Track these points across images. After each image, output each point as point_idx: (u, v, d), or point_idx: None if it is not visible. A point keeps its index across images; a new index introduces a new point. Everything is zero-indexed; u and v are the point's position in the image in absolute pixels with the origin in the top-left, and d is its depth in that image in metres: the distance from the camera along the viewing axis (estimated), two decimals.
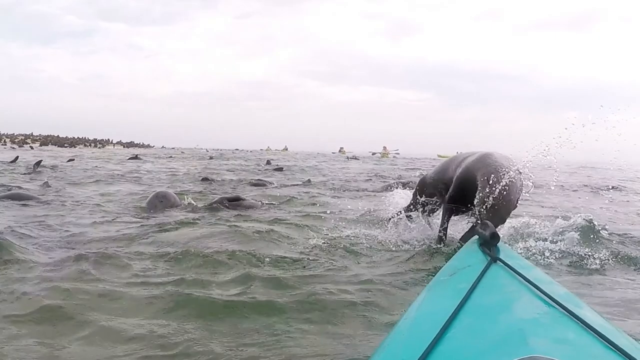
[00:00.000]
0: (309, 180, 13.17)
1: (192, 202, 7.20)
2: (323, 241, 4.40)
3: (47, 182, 9.86)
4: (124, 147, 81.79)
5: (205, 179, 12.76)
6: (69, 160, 21.32)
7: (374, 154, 67.59)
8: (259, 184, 11.74)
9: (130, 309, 2.66)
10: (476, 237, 1.69)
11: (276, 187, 11.29)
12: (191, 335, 2.33)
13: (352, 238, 4.61)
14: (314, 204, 7.73)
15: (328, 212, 6.31)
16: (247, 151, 66.30)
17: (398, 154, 68.93)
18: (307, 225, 5.35)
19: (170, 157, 34.33)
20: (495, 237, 1.60)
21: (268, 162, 25.54)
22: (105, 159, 27.27)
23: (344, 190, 10.94)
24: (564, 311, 1.29)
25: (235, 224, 5.32)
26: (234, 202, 7.13)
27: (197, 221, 5.63)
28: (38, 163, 15.37)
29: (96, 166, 18.67)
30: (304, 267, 3.59)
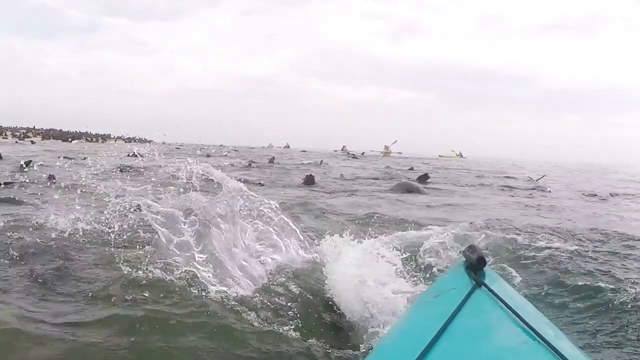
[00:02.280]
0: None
1: None
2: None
3: (52, 175, 9.15)
4: (124, 142, 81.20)
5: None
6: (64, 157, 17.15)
7: (377, 152, 68.05)
8: None
9: None
10: (463, 259, 1.71)
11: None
12: None
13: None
14: None
15: None
16: (249, 148, 66.27)
17: (400, 153, 68.97)
18: None
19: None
20: (481, 261, 1.62)
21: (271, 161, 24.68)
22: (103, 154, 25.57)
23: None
24: (542, 342, 1.32)
25: None
26: None
27: None
28: (28, 163, 13.84)
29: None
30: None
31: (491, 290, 1.52)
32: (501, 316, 1.43)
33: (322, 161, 26.93)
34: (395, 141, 70.36)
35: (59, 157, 16.10)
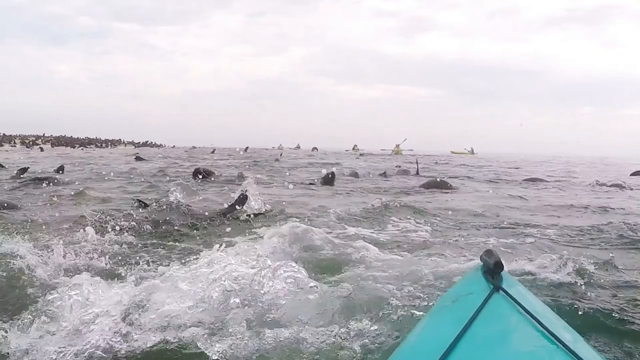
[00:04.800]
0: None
1: None
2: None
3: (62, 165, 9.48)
4: (135, 147, 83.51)
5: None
6: (58, 169, 16.01)
7: (387, 150, 68.08)
8: None
9: None
10: (480, 264, 1.72)
11: None
12: None
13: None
14: None
15: None
16: (263, 149, 66.71)
17: (411, 150, 68.86)
18: None
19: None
20: (499, 265, 1.63)
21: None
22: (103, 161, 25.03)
23: None
24: (561, 346, 1.33)
25: None
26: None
27: None
28: (23, 170, 13.83)
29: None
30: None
31: (509, 295, 1.53)
32: (519, 320, 1.45)
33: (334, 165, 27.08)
34: (405, 139, 70.51)
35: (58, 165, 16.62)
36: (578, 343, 1.38)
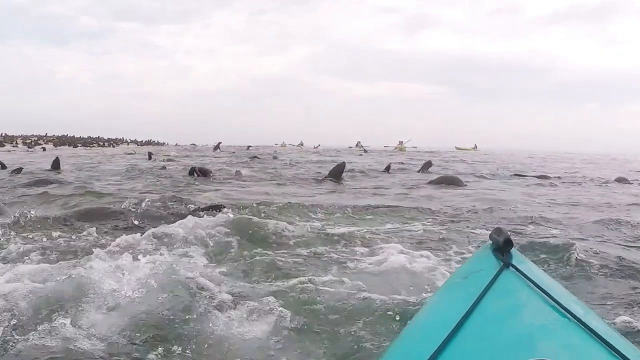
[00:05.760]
0: None
1: None
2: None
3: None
4: (137, 145, 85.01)
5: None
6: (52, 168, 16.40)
7: (390, 147, 68.23)
8: None
9: None
10: (490, 242, 1.72)
11: None
12: None
13: None
14: None
15: None
16: (266, 147, 66.98)
17: (415, 147, 68.77)
18: None
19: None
20: (508, 243, 1.63)
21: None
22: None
23: None
24: (572, 318, 1.33)
25: None
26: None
27: None
28: (18, 170, 14.19)
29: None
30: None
31: (519, 271, 1.54)
32: (530, 295, 1.45)
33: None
34: (410, 139, 71.08)
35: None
36: (590, 315, 1.38)
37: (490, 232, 1.74)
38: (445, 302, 1.58)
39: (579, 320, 1.32)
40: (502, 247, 1.64)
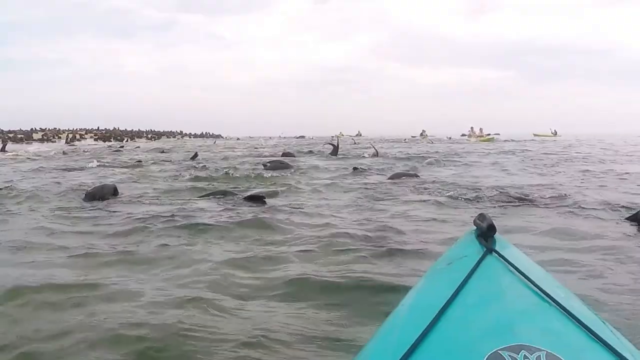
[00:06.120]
0: None
1: None
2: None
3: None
4: (189, 137, 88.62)
5: None
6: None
7: (465, 135, 63.02)
8: None
9: None
10: (473, 228, 1.74)
11: None
12: None
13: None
14: None
15: None
16: (320, 138, 65.74)
17: (498, 134, 63.66)
18: None
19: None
20: (491, 228, 1.65)
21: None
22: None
23: None
24: (553, 303, 1.35)
25: None
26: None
27: None
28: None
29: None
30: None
31: (502, 256, 1.55)
32: (512, 280, 1.47)
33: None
34: (481, 128, 63.69)
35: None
36: (570, 300, 1.40)
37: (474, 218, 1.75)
38: (429, 289, 1.59)
39: (559, 305, 1.34)
40: (485, 233, 1.66)
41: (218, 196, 7.83)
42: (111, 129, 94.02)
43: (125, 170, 13.99)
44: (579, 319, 1.29)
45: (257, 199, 7.30)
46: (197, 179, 10.94)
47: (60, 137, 69.12)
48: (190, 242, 4.62)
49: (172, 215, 5.89)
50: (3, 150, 30.50)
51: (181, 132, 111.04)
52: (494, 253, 1.58)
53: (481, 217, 1.73)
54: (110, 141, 62.11)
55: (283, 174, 10.31)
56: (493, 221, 1.67)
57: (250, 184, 9.94)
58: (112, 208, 6.83)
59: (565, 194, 7.85)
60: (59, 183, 10.21)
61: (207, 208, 6.58)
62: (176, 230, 5.14)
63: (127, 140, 65.17)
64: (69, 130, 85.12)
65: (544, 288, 1.40)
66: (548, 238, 4.73)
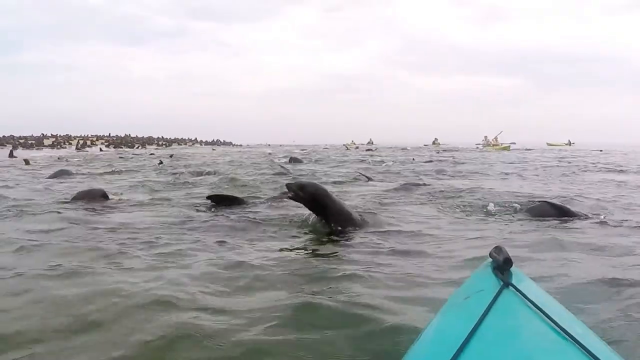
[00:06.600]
0: None
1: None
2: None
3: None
4: (200, 145, 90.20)
5: None
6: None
7: (479, 145, 61.15)
8: None
9: None
10: (490, 260, 1.77)
11: None
12: None
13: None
14: None
15: None
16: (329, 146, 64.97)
17: (514, 143, 62.43)
18: None
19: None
20: (508, 262, 1.67)
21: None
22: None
23: None
24: (571, 340, 1.38)
25: None
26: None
27: None
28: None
29: None
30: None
31: (519, 290, 1.58)
32: (530, 316, 1.49)
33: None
34: (501, 131, 61.98)
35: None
36: (588, 337, 1.43)
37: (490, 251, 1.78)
38: (448, 323, 1.62)
39: (577, 341, 1.37)
40: (501, 266, 1.69)
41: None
42: (122, 135, 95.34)
43: None
44: (597, 357, 1.31)
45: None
46: None
47: (71, 143, 70.39)
48: None
49: None
50: (11, 155, 30.95)
51: (193, 139, 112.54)
52: (510, 287, 1.60)
53: (497, 249, 1.75)
54: (122, 148, 62.73)
55: (230, 210, 7.12)
56: (509, 254, 1.70)
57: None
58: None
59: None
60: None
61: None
62: None
63: (138, 147, 65.90)
64: (80, 136, 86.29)
65: (561, 324, 1.42)
66: None
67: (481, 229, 5.72)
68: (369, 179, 12.85)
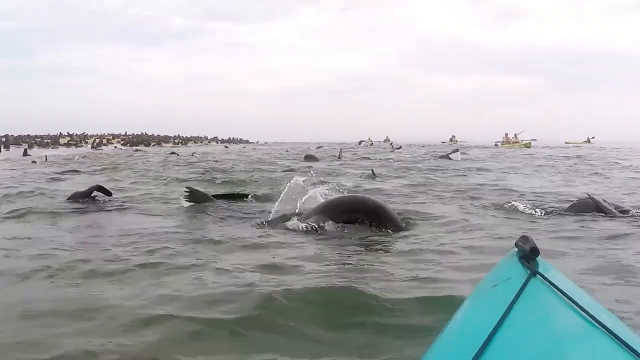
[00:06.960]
0: None
1: None
2: None
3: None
4: (216, 143, 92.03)
5: None
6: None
7: (498, 144, 60.81)
8: None
9: None
10: (515, 249, 1.76)
11: None
12: None
13: None
14: None
15: None
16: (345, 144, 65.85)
17: (535, 140, 60.54)
18: None
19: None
20: (534, 251, 1.67)
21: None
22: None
23: None
24: (601, 327, 1.37)
25: None
26: None
27: None
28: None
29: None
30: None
31: (546, 279, 1.58)
32: (558, 303, 1.49)
33: None
34: (523, 130, 61.70)
35: None
36: (618, 325, 1.42)
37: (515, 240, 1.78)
38: (476, 312, 1.62)
39: (608, 329, 1.36)
40: (528, 255, 1.69)
41: None
42: (138, 133, 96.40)
43: None
44: (628, 344, 1.30)
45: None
46: None
47: (87, 142, 71.35)
48: None
49: None
50: (25, 154, 31.50)
51: (209, 137, 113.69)
52: (538, 276, 1.60)
53: (523, 239, 1.75)
54: (138, 146, 63.39)
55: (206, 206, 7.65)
56: (535, 243, 1.70)
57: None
58: None
59: None
60: None
61: None
62: None
63: (154, 145, 66.60)
64: (96, 135, 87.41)
65: (591, 312, 1.42)
66: None
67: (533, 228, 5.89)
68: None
